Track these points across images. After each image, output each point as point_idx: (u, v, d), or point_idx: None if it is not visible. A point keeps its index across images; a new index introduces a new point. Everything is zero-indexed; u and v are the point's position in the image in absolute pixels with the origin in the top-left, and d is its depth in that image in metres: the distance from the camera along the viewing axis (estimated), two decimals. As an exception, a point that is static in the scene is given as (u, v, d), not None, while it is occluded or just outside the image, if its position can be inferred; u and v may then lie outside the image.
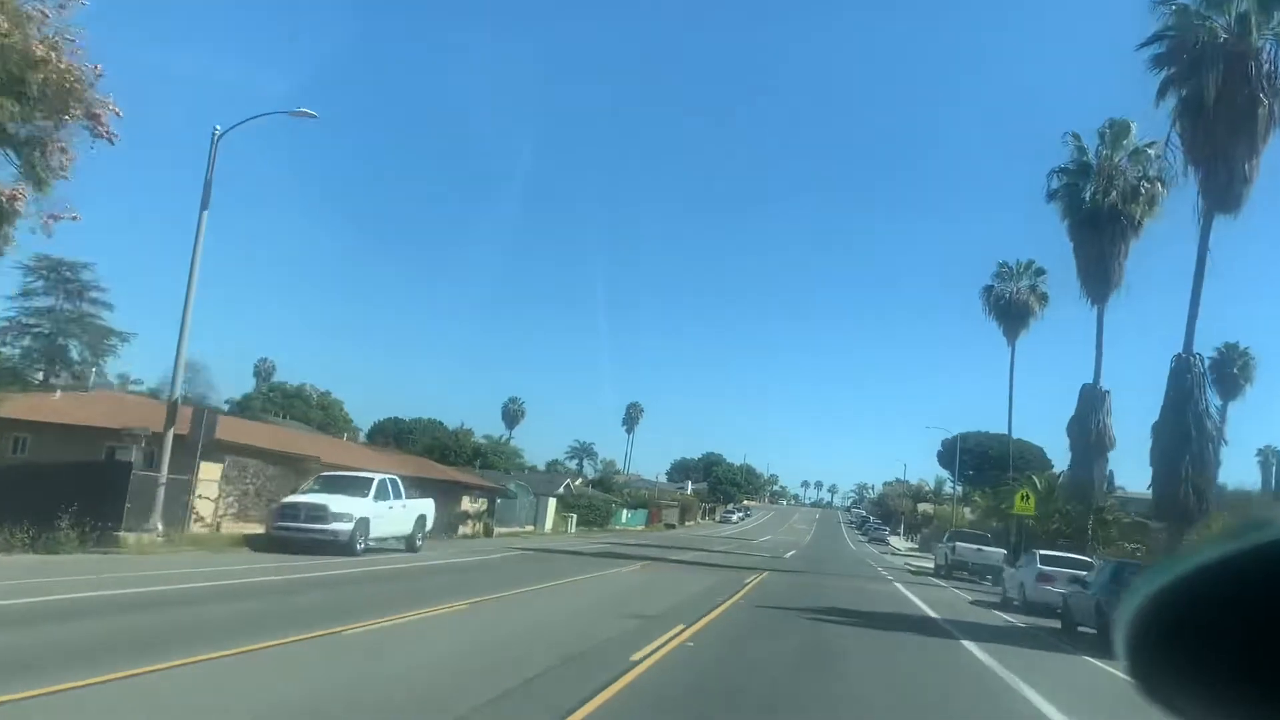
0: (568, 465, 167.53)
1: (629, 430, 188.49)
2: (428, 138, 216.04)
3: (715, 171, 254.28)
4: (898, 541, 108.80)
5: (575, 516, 56.48)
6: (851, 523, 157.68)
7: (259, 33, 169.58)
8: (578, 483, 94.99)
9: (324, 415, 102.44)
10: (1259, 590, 0.95)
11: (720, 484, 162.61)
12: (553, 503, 53.61)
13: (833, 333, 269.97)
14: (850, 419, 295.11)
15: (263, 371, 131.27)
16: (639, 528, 77.45)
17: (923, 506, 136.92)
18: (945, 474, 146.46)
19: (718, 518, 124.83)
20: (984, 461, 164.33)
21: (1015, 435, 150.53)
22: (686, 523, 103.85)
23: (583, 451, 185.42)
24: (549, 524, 52.81)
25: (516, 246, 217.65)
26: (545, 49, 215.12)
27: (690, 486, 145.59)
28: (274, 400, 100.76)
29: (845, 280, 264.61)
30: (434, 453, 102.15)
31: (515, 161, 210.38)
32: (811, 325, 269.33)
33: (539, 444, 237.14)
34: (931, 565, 54.06)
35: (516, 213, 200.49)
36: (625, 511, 77.10)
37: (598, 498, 72.25)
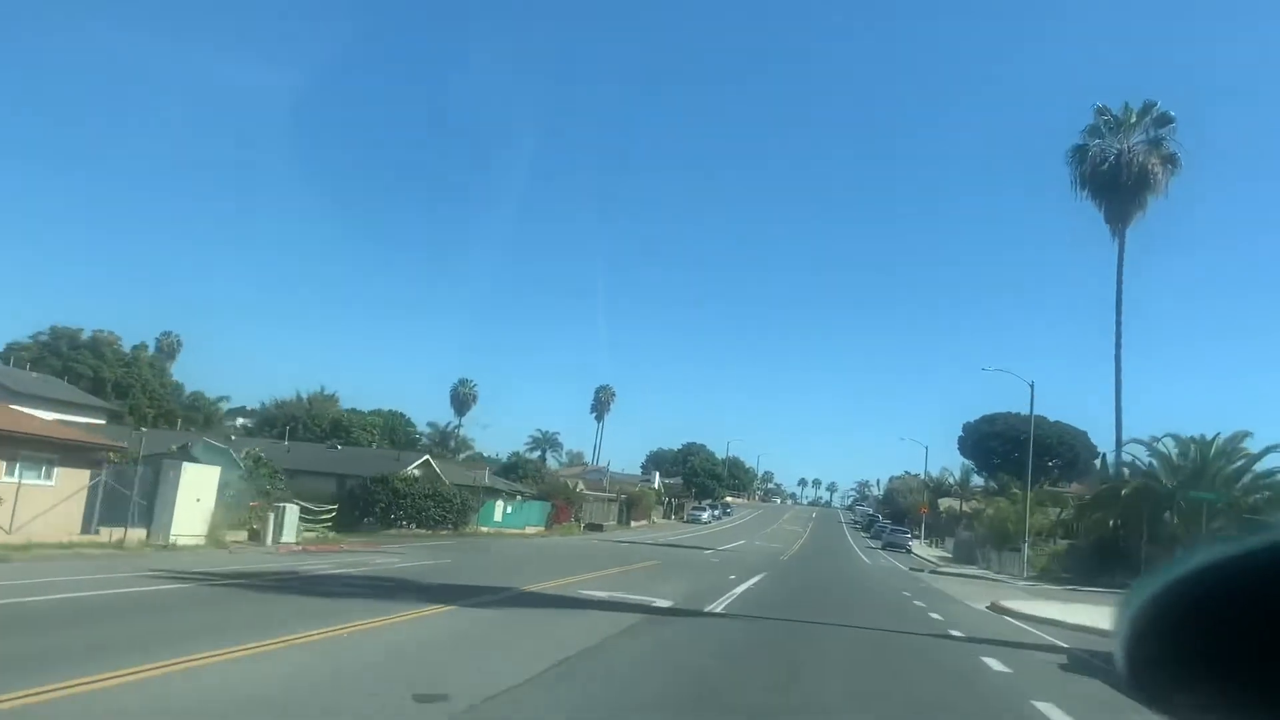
0: (528, 457, 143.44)
1: (598, 418, 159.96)
2: (424, 132, 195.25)
3: (713, 161, 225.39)
4: (924, 549, 79.12)
5: (293, 510, 26.20)
6: (856, 523, 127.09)
7: (262, 33, 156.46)
8: (486, 474, 66.03)
9: (125, 373, 72.88)
10: (1259, 592, 0.93)
11: (696, 476, 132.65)
12: (182, 475, 22.98)
13: (835, 318, 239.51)
14: (852, 410, 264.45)
15: (165, 347, 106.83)
16: (529, 530, 48.20)
17: (946, 503, 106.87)
18: (965, 463, 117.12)
19: (685, 516, 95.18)
20: (1015, 448, 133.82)
21: (1046, 416, 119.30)
22: (635, 522, 74.35)
23: (545, 442, 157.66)
24: (185, 525, 22.57)
25: (514, 237, 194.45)
26: (547, 45, 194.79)
27: (658, 479, 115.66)
28: (54, 349, 71.16)
29: (854, 242, 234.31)
30: (275, 425, 72.89)
31: (511, 151, 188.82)
32: (813, 310, 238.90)
33: (510, 434, 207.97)
34: (1026, 593, 24.68)
35: (515, 199, 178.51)
36: (501, 505, 47.47)
37: (446, 485, 42.63)
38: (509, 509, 47.83)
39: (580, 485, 79.53)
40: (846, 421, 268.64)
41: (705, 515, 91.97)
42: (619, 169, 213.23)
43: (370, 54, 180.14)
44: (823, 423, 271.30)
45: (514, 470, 78.70)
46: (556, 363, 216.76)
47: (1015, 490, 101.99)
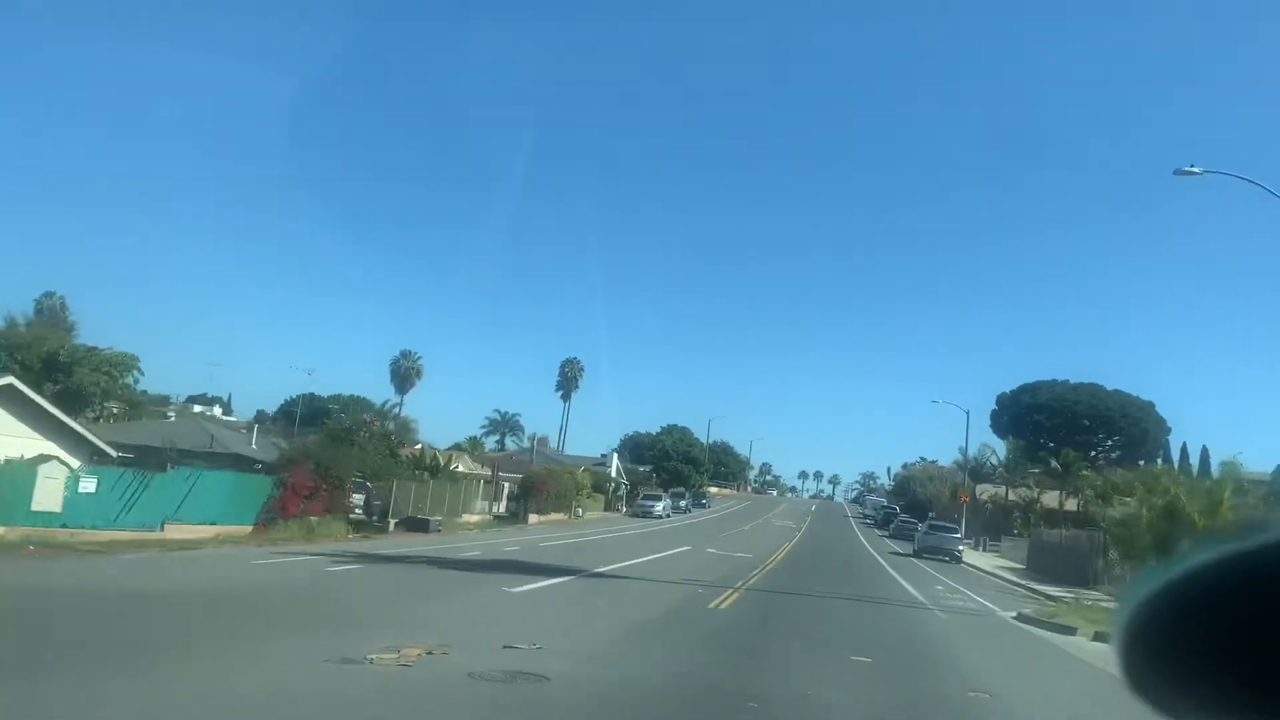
0: (484, 441, 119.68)
1: (564, 397, 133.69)
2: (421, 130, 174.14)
3: (714, 140, 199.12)
4: (978, 556, 51.98)
5: None
6: (866, 518, 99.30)
7: (260, 32, 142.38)
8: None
9: None
10: (1256, 593, 0.91)
11: (668, 460, 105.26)
12: None
13: (835, 305, 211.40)
14: (855, 401, 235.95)
15: (46, 310, 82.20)
16: (170, 533, 21.25)
17: (986, 490, 79.23)
18: (1011, 440, 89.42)
19: (633, 508, 67.90)
20: (1064, 422, 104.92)
21: (1100, 384, 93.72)
22: (538, 516, 47.34)
23: (504, 424, 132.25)
24: None
25: (505, 222, 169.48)
26: (546, 41, 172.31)
27: (615, 461, 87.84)
28: None
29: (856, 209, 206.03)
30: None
31: (503, 130, 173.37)
32: (812, 299, 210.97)
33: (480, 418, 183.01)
34: None
35: (507, 177, 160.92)
36: (65, 482, 20.27)
37: None
38: (96, 485, 20.63)
39: (461, 463, 52.23)
40: (848, 414, 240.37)
41: (659, 507, 64.27)
42: (614, 149, 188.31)
43: (366, 46, 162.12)
44: (824, 414, 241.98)
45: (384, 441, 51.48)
46: (537, 345, 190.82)
47: (1087, 472, 74.38)
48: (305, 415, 79.01)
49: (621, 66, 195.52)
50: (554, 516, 51.34)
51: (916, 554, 46.31)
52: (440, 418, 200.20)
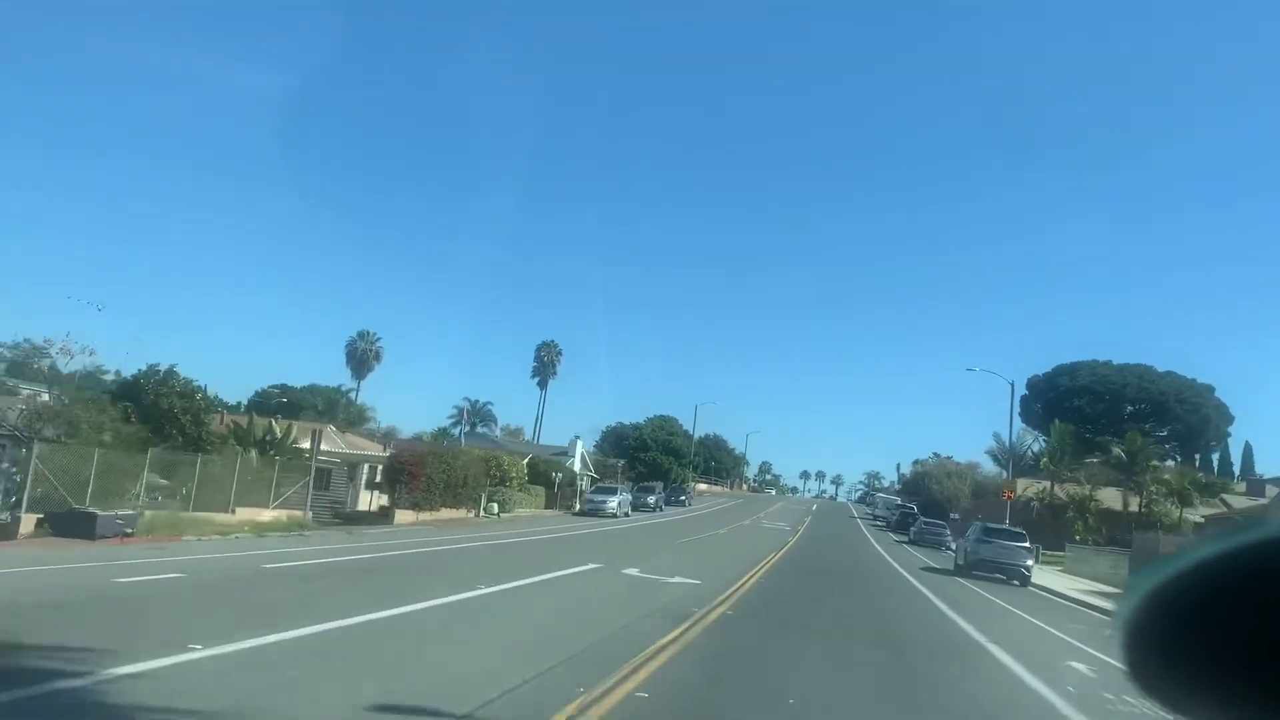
0: (453, 431, 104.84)
1: (541, 384, 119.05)
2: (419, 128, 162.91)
3: (715, 129, 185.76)
4: (1046, 573, 36.71)
5: None
6: (877, 520, 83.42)
7: (256, 31, 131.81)
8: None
9: None
10: (1260, 588, 0.89)
11: (645, 450, 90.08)
12: None
13: (840, 293, 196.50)
14: (863, 394, 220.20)
15: None
16: None
17: (1028, 486, 63.64)
18: (1058, 424, 73.54)
19: (581, 504, 52.74)
20: (1108, 406, 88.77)
21: (1151, 365, 75.37)
22: (414, 514, 32.05)
23: (475, 413, 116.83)
24: None
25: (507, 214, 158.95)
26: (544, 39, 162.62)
27: (579, 449, 72.42)
28: None
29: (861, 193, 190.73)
30: None
31: (503, 110, 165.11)
32: (817, 290, 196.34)
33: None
34: None
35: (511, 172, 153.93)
36: None
37: None
38: None
39: (339, 441, 37.06)
40: (853, 411, 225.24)
41: (612, 504, 48.98)
42: (611, 143, 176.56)
43: (365, 45, 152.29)
44: (828, 412, 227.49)
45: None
46: (528, 338, 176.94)
47: (1156, 464, 58.76)
48: (281, 406, 70.00)
49: (626, 50, 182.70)
50: (448, 514, 36.06)
51: (961, 570, 31.20)
52: (419, 408, 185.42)
